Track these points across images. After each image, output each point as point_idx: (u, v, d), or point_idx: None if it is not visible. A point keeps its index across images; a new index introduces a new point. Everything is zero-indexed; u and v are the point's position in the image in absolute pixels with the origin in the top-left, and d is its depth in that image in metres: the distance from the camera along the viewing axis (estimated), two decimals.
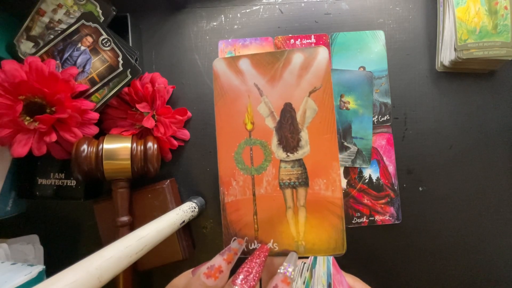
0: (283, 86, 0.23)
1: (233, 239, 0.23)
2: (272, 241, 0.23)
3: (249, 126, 0.23)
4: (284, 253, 0.23)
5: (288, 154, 0.23)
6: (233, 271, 0.19)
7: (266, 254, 0.21)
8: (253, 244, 0.23)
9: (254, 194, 0.23)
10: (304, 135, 0.23)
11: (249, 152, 0.23)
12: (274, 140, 0.23)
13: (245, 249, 0.23)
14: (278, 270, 0.18)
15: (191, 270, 0.19)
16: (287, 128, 0.23)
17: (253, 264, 0.18)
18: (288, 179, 0.23)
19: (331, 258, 0.29)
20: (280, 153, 0.23)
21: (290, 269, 0.18)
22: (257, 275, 0.18)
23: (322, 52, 0.23)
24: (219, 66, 0.24)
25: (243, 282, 0.17)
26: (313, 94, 0.23)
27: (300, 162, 0.23)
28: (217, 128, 0.23)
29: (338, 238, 0.24)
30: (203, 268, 0.17)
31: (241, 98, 0.24)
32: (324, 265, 0.27)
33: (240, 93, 0.24)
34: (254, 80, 0.24)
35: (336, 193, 0.23)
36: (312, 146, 0.23)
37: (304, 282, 0.27)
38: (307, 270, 0.28)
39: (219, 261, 0.18)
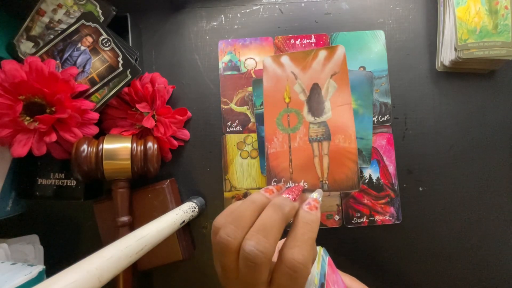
0: (312, 72, 0.33)
1: (273, 180, 0.32)
2: (303, 180, 0.31)
3: (287, 100, 0.33)
4: (312, 190, 0.29)
5: (315, 118, 0.32)
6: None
7: (301, 189, 0.27)
8: (288, 184, 0.32)
9: (289, 147, 0.32)
10: (327, 104, 0.32)
11: (286, 117, 0.32)
12: (305, 109, 0.32)
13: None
14: (310, 196, 0.24)
15: None
16: (315, 100, 0.32)
17: (293, 190, 0.24)
18: (315, 135, 0.31)
19: (326, 258, 0.29)
20: (309, 118, 0.32)
21: (319, 196, 0.24)
22: (296, 196, 0.24)
23: (340, 49, 0.33)
24: (267, 61, 0.35)
25: (289, 194, 0.23)
26: (334, 77, 0.32)
27: (324, 123, 0.31)
28: (265, 102, 0.33)
29: (353, 178, 0.31)
30: (262, 188, 0.24)
31: (281, 81, 0.33)
32: (319, 265, 0.27)
33: (281, 78, 0.33)
34: (291, 69, 0.33)
35: (352, 144, 0.31)
36: (333, 112, 0.31)
37: None
38: None
39: (271, 186, 0.24)
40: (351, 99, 0.31)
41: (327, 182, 0.30)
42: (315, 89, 0.32)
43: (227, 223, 0.20)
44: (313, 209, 0.22)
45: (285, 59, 0.33)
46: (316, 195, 0.24)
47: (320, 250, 0.31)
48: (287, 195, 0.23)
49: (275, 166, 0.31)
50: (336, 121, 0.31)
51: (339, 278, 0.30)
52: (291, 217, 0.21)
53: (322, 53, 0.32)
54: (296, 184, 0.31)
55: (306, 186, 0.30)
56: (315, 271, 0.26)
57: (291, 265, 0.18)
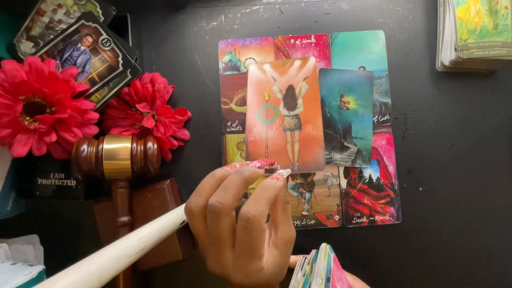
0: (288, 76, 0.39)
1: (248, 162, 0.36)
2: (276, 163, 0.36)
3: (266, 97, 0.39)
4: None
5: (289, 112, 0.38)
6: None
7: (272, 161, 0.35)
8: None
9: (266, 135, 0.38)
10: (300, 101, 0.38)
11: (265, 111, 0.38)
12: (281, 104, 0.38)
13: None
14: (276, 171, 0.27)
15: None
16: (290, 98, 0.38)
17: (262, 161, 0.29)
18: (289, 125, 0.37)
19: (332, 255, 0.30)
20: (284, 112, 0.38)
21: (285, 173, 0.26)
22: (263, 165, 0.28)
23: (311, 60, 0.39)
24: (252, 67, 0.40)
25: (257, 162, 0.28)
26: (306, 80, 0.38)
27: (296, 116, 0.38)
28: (248, 99, 0.39)
29: (320, 160, 0.36)
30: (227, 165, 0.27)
31: (263, 83, 0.39)
32: (325, 260, 0.28)
33: (263, 81, 0.40)
34: (272, 74, 0.40)
35: (319, 132, 0.37)
36: (304, 107, 0.38)
37: (304, 275, 0.27)
38: (308, 264, 0.29)
39: (235, 163, 0.27)
40: (319, 96, 0.38)
41: (297, 164, 0.36)
42: (290, 89, 0.38)
43: (191, 195, 0.24)
44: (273, 179, 0.24)
45: (267, 66, 0.40)
46: (282, 171, 0.27)
47: (326, 246, 0.32)
48: (255, 163, 0.28)
49: (253, 152, 0.37)
50: (307, 114, 0.37)
51: (343, 276, 0.30)
52: (252, 181, 0.24)
53: (297, 62, 0.39)
54: (269, 158, 0.37)
55: (279, 168, 0.35)
56: (321, 265, 0.27)
57: (243, 217, 0.21)
